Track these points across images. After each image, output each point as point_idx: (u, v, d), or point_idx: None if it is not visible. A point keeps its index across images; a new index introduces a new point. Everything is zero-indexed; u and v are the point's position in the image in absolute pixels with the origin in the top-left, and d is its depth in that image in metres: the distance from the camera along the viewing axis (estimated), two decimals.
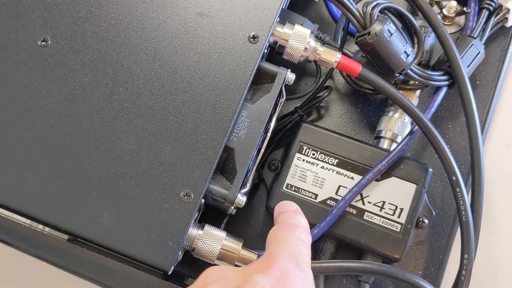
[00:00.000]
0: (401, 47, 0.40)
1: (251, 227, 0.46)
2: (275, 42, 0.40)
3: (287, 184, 0.43)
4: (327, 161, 0.44)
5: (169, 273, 0.35)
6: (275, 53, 0.42)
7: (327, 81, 0.46)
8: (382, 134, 0.45)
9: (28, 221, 0.37)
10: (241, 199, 0.37)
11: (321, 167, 0.44)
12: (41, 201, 0.36)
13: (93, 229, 0.35)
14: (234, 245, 0.38)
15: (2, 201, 0.35)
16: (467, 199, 0.40)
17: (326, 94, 0.47)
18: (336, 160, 0.44)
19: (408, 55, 0.41)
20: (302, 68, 0.49)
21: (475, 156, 0.41)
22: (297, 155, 0.44)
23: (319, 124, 0.48)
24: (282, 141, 0.46)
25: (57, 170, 0.36)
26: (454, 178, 0.40)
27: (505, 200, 0.48)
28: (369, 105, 0.48)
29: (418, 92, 0.46)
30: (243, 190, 0.38)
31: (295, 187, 0.43)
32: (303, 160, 0.44)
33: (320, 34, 0.45)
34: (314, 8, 0.50)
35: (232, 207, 0.39)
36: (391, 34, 0.40)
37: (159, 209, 0.36)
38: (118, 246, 0.35)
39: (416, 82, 0.44)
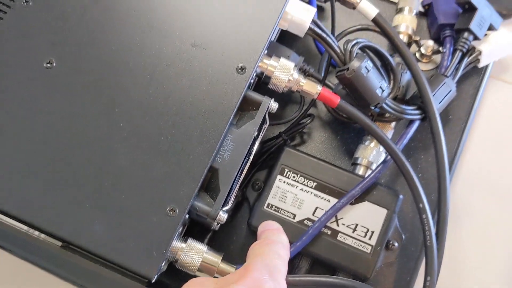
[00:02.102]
0: (377, 83, 0.44)
1: (233, 242, 0.49)
2: (262, 73, 0.44)
3: (268, 203, 0.47)
4: (306, 184, 0.47)
5: (153, 281, 0.38)
6: (262, 82, 0.45)
7: (310, 109, 0.50)
8: (359, 161, 0.48)
9: (25, 227, 0.40)
10: (223, 216, 0.40)
11: (301, 189, 0.47)
12: (38, 209, 0.38)
13: (85, 237, 0.38)
14: (214, 259, 0.41)
15: (3, 208, 0.38)
16: (433, 225, 0.43)
17: (309, 121, 0.50)
18: (315, 184, 0.47)
19: (383, 90, 0.44)
20: (287, 96, 0.52)
21: (442, 186, 0.44)
22: (279, 177, 0.47)
23: (301, 148, 0.51)
24: (266, 163, 0.50)
25: (55, 181, 0.39)
26: (421, 205, 0.43)
27: (469, 229, 0.51)
28: (349, 133, 0.52)
29: (393, 123, 0.49)
30: (225, 208, 0.41)
31: (276, 206, 0.46)
32: (284, 182, 0.47)
33: (305, 66, 0.48)
34: (301, 40, 0.53)
35: (215, 223, 0.42)
36: (368, 71, 0.43)
37: (147, 221, 0.38)
38: (107, 254, 0.38)
39: (391, 115, 0.47)
